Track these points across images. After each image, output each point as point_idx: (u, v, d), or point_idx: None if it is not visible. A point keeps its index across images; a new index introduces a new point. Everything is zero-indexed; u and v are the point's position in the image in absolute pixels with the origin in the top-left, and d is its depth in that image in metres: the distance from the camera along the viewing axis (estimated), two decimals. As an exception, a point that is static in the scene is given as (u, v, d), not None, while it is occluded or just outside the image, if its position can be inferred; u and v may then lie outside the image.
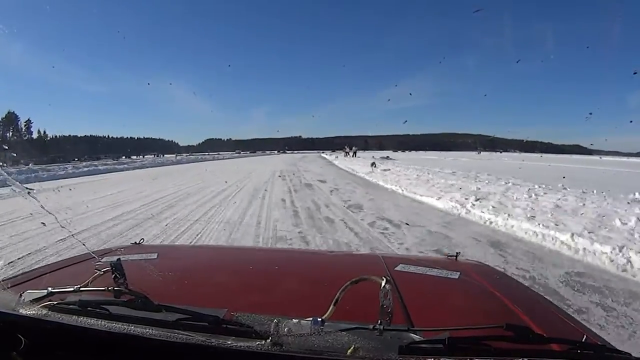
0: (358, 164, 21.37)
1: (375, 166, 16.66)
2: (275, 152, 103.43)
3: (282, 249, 3.42)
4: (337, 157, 34.02)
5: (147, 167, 24.00)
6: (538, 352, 0.55)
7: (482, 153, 68.15)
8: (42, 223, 3.80)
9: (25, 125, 69.41)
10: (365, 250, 3.89)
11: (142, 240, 1.48)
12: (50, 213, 1.17)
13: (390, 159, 29.22)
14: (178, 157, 44.41)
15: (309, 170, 17.91)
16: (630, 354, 0.57)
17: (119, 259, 0.71)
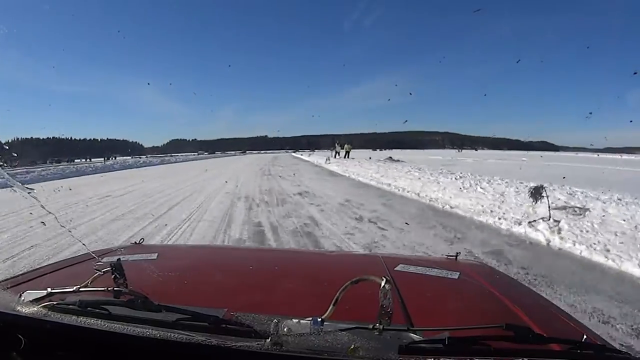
0: (371, 169, 13.28)
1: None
2: (239, 152, 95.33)
3: (282, 249, 3.42)
4: (327, 159, 21.44)
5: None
6: (538, 352, 0.55)
7: (462, 151, 63.66)
8: (42, 223, 3.80)
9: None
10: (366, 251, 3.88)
11: (142, 240, 1.48)
12: (50, 213, 1.17)
13: (400, 160, 19.75)
14: (107, 163, 29.07)
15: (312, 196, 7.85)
16: (630, 354, 0.57)
17: (119, 259, 0.71)
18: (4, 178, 0.93)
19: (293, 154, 54.95)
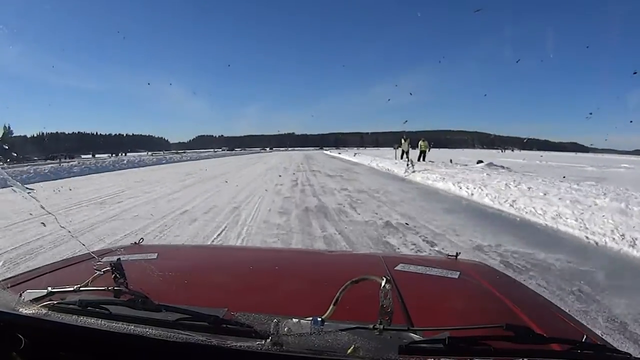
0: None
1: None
2: (267, 149, 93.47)
3: (282, 249, 3.42)
4: (408, 165, 12.26)
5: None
6: (538, 352, 0.55)
7: (506, 151, 52.95)
8: (42, 223, 3.79)
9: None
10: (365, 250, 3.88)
11: (141, 240, 1.48)
12: (50, 213, 1.17)
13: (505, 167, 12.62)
14: (113, 158, 26.72)
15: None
16: (630, 354, 0.57)
17: (118, 259, 0.71)
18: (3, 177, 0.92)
19: (327, 152, 47.01)
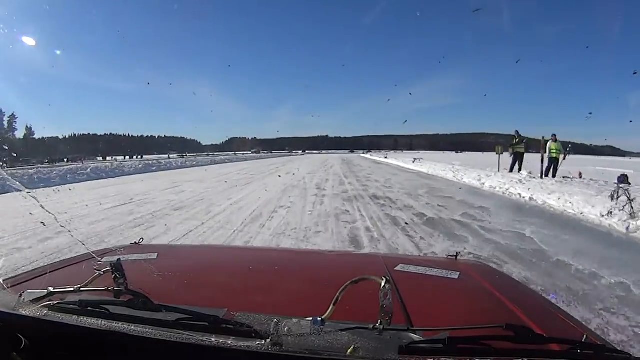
0: None
1: None
2: (300, 152, 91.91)
3: (282, 249, 3.42)
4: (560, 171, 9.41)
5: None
6: (538, 352, 0.55)
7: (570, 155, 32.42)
8: (42, 223, 3.79)
9: (8, 121, 60.28)
10: (365, 250, 3.88)
11: (141, 240, 1.48)
12: (50, 213, 1.17)
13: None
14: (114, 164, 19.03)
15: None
16: (630, 354, 0.57)
17: (119, 259, 0.71)
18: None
19: (365, 155, 38.68)
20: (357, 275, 0.63)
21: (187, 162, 26.56)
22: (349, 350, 0.52)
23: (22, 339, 0.56)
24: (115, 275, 0.68)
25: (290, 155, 55.97)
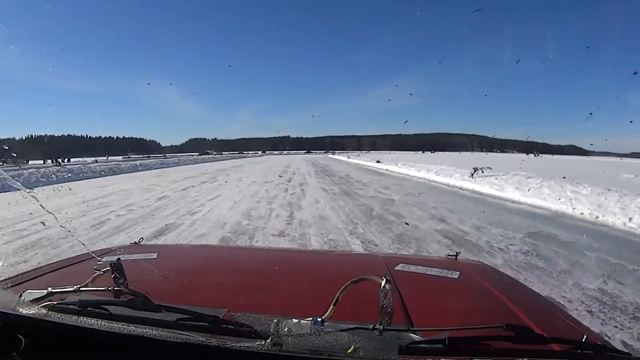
0: None
1: None
2: (259, 153, 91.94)
3: (282, 249, 3.42)
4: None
5: None
6: (538, 352, 0.55)
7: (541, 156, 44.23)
8: (42, 223, 3.80)
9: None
10: (365, 250, 3.88)
11: (141, 240, 1.48)
12: (50, 212, 1.17)
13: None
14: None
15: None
16: (630, 354, 0.57)
17: (118, 259, 0.71)
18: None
19: (334, 156, 34.00)
20: (357, 275, 0.62)
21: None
22: (349, 351, 0.52)
23: (22, 339, 0.56)
24: (115, 275, 0.68)
25: (242, 158, 43.76)
